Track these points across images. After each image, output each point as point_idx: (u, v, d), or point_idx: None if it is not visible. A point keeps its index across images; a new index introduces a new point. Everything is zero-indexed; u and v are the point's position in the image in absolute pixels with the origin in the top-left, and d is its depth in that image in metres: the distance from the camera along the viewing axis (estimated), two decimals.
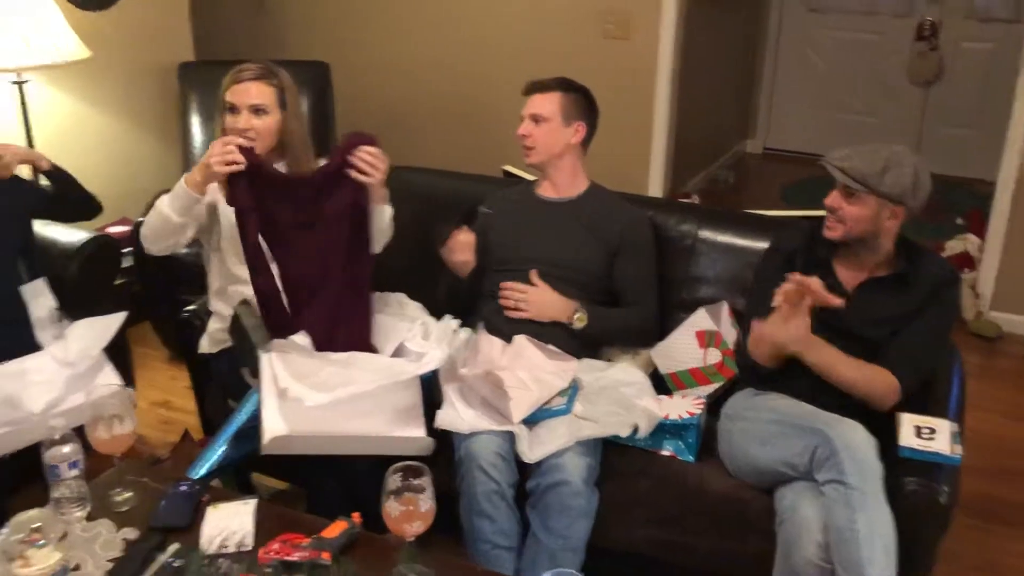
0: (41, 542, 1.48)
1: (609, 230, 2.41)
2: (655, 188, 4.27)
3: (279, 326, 2.17)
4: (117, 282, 3.07)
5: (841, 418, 1.91)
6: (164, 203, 2.21)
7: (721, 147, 5.89)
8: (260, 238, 2.17)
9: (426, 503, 1.53)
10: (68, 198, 2.57)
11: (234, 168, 2.09)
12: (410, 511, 1.52)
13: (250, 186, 2.14)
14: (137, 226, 3.30)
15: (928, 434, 1.88)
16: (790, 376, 2.07)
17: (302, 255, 2.20)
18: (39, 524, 1.50)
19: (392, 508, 1.52)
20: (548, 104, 2.40)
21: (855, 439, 1.83)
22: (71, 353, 2.30)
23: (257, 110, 2.23)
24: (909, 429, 1.91)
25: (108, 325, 2.39)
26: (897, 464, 1.87)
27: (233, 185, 2.14)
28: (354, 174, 2.16)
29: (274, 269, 2.20)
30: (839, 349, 2.03)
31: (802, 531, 1.81)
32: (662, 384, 2.35)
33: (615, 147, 4.14)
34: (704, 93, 5.03)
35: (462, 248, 2.36)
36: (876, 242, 2.07)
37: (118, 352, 2.44)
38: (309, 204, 2.19)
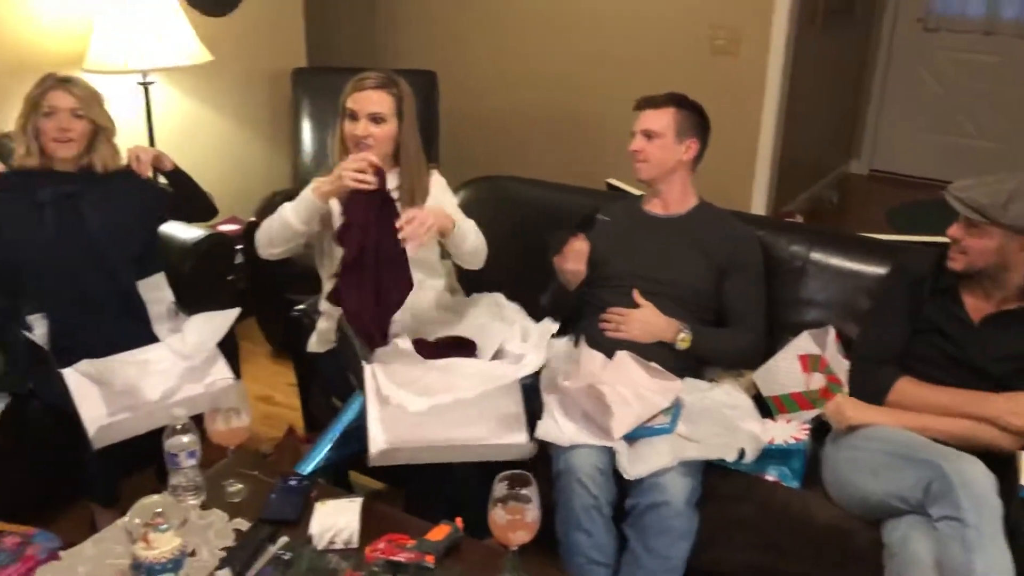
0: (164, 526, 1.54)
1: (717, 249, 2.38)
2: (758, 206, 4.21)
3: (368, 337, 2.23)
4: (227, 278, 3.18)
5: (959, 452, 1.84)
6: (288, 209, 2.27)
7: (825, 166, 5.76)
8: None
9: (532, 513, 1.54)
10: (187, 199, 2.67)
11: (364, 186, 2.14)
12: (516, 520, 1.53)
13: (367, 204, 2.19)
14: (248, 225, 3.41)
15: None
16: None
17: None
18: (161, 509, 1.55)
19: (498, 516, 1.54)
20: (661, 120, 2.38)
21: (974, 475, 1.76)
22: (187, 346, 2.40)
23: (376, 118, 2.27)
24: None
25: (223, 320, 2.48)
26: (1018, 505, 1.80)
27: (352, 199, 2.19)
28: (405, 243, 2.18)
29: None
30: (960, 385, 1.98)
31: (913, 567, 1.76)
32: (764, 407, 2.31)
33: (719, 163, 4.06)
34: (810, 111, 4.93)
35: (576, 257, 2.33)
36: (1004, 275, 2.00)
37: (227, 347, 2.52)
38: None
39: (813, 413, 2.25)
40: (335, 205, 2.31)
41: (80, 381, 2.25)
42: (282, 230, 2.28)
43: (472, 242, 2.33)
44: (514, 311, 2.45)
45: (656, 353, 2.28)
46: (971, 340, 2.04)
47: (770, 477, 2.11)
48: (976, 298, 2.07)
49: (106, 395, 2.24)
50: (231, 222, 3.69)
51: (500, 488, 1.56)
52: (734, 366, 2.37)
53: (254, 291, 3.44)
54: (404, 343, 2.18)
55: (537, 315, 2.48)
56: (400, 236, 2.11)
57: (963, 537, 1.69)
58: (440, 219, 2.21)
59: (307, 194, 2.23)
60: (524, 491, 1.55)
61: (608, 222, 2.49)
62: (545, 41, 4.44)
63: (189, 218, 2.79)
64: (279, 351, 3.60)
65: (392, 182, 2.36)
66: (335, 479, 2.56)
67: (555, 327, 2.34)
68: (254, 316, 3.62)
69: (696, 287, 2.37)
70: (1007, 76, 5.56)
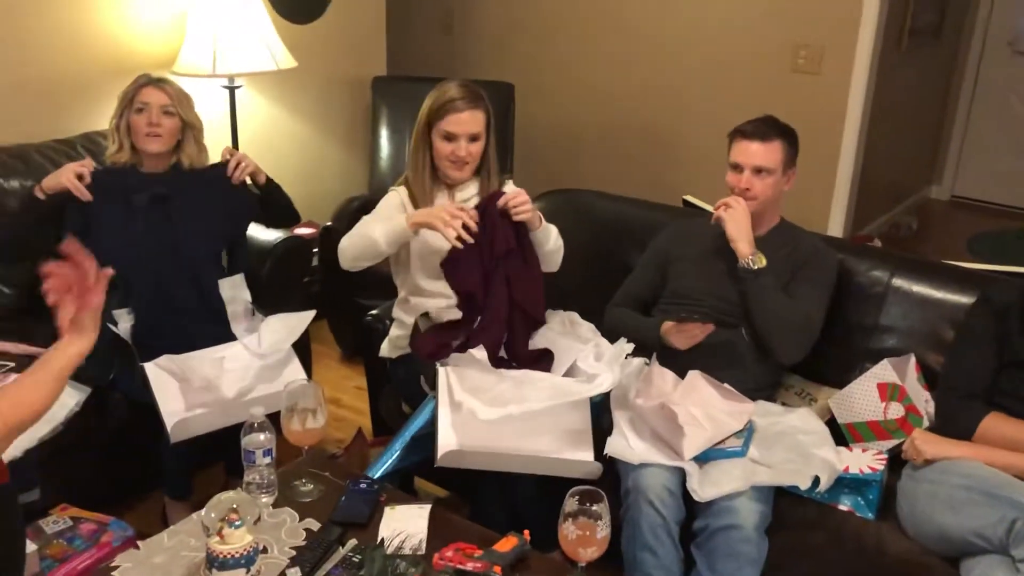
0: (238, 522, 1.56)
1: (790, 264, 2.34)
2: (835, 228, 4.13)
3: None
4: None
5: None
6: (377, 232, 2.25)
7: (905, 191, 5.64)
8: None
9: (603, 530, 1.53)
10: (274, 206, 2.73)
11: (460, 244, 2.13)
12: (586, 536, 1.52)
13: (472, 264, 2.21)
14: (324, 230, 3.48)
15: None
16: None
17: (494, 290, 2.26)
18: (236, 506, 1.58)
19: (568, 531, 1.53)
20: (772, 156, 2.30)
21: None
22: (263, 346, 2.45)
23: (474, 138, 2.30)
24: None
25: (298, 322, 2.52)
26: None
27: (452, 270, 2.22)
28: (516, 218, 2.20)
29: None
30: None
31: None
32: (837, 434, 2.26)
33: (798, 184, 3.99)
34: (892, 133, 4.84)
35: (689, 341, 2.28)
36: None
37: (300, 349, 2.56)
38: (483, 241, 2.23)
39: (890, 443, 2.20)
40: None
41: (160, 375, 2.31)
42: (369, 249, 2.27)
43: (554, 241, 2.35)
44: (588, 330, 2.43)
45: (727, 374, 2.25)
46: None
47: (843, 507, 2.06)
48: None
49: (184, 390, 2.30)
50: (308, 226, 3.75)
51: (571, 503, 1.55)
52: (773, 333, 2.27)
53: (326, 295, 3.49)
54: (480, 353, 2.19)
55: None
56: (514, 215, 2.18)
57: None
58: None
59: (400, 224, 2.22)
60: (595, 507, 1.54)
61: (683, 242, 2.49)
62: (623, 55, 4.43)
63: (273, 223, 2.85)
64: (348, 355, 3.65)
65: (471, 190, 2.38)
66: (401, 484, 2.58)
67: (629, 348, 2.32)
68: (325, 319, 3.67)
69: None
70: None
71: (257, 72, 3.38)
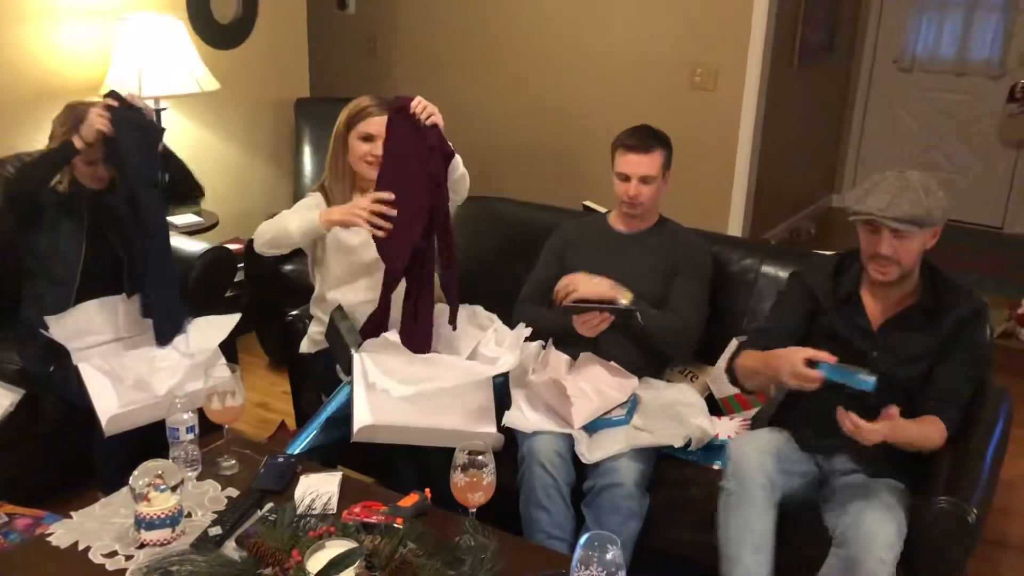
0: (162, 487, 1.74)
1: (671, 256, 2.60)
2: (734, 234, 4.42)
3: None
4: (229, 294, 3.40)
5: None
6: (292, 224, 2.45)
7: (806, 200, 6.00)
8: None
9: (488, 477, 1.74)
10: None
11: (381, 233, 2.32)
12: (474, 482, 1.74)
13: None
14: (250, 244, 3.65)
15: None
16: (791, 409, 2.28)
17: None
18: (161, 471, 1.76)
19: (459, 479, 1.74)
20: (655, 164, 2.54)
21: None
22: (191, 346, 2.62)
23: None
24: None
25: (225, 323, 2.70)
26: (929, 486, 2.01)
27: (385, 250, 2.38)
28: (428, 121, 2.37)
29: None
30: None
31: None
32: (718, 409, 2.53)
33: (697, 194, 4.32)
34: (790, 146, 5.18)
35: (594, 330, 2.46)
36: (912, 269, 2.12)
37: (227, 354, 2.72)
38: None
39: (752, 412, 2.47)
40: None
41: (94, 374, 2.46)
42: (283, 237, 2.48)
43: (461, 169, 2.56)
44: (488, 318, 2.66)
45: (616, 355, 2.49)
46: (873, 348, 2.14)
47: (716, 466, 2.31)
48: (877, 300, 2.17)
49: (118, 388, 2.45)
50: (234, 242, 3.91)
51: (461, 457, 1.76)
52: (664, 341, 2.52)
53: (254, 307, 3.65)
54: (392, 336, 2.39)
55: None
56: (424, 117, 2.34)
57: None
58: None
59: (314, 219, 2.42)
60: (481, 458, 1.75)
61: (578, 237, 2.73)
62: (533, 76, 4.72)
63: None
64: (275, 362, 3.81)
65: None
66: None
67: (527, 332, 2.55)
68: (253, 330, 3.83)
69: (655, 293, 2.56)
70: (978, 115, 5.85)
71: (181, 95, 3.56)
